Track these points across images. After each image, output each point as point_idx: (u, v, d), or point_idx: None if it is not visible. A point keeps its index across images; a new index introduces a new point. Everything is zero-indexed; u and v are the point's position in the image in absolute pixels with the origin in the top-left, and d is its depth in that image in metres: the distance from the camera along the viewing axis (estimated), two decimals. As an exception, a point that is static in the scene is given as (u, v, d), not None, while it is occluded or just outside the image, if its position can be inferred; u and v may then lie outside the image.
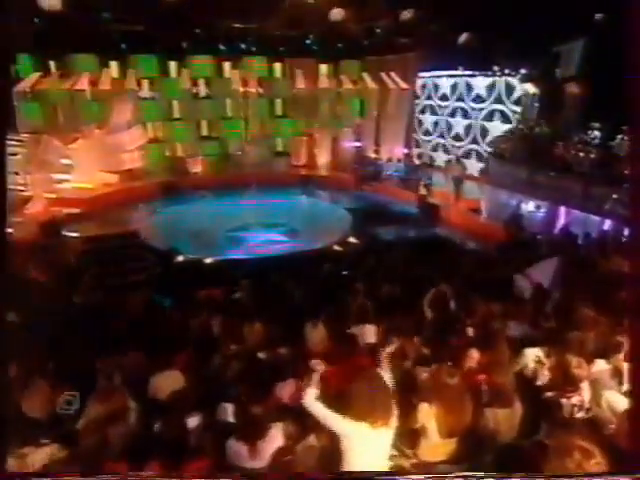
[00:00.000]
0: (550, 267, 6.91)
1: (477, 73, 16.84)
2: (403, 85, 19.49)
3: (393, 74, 19.49)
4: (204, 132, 21.75)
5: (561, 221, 12.51)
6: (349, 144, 21.70)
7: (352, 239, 13.14)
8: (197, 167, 20.82)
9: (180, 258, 11.97)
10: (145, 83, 19.99)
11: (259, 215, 15.15)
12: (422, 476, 2.60)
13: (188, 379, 4.79)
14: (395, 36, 19.72)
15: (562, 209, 12.44)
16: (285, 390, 4.13)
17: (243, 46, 19.77)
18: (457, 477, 2.47)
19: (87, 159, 17.41)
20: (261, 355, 4.95)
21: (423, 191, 15.94)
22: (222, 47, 19.59)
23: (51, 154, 16.00)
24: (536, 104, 14.69)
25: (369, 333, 5.30)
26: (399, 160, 19.54)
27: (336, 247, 12.55)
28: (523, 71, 15.17)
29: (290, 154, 22.39)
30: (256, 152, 21.79)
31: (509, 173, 13.64)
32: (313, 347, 5.12)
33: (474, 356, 4.07)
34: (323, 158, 21.85)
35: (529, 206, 13.33)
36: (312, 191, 18.83)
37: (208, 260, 11.79)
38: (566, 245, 10.26)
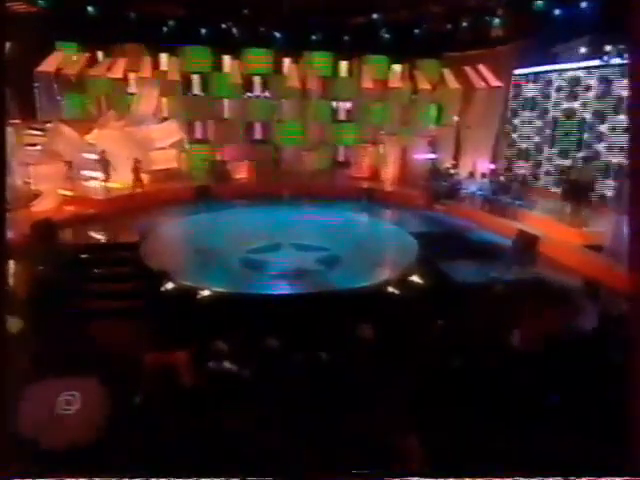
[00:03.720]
0: None
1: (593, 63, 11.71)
2: (494, 82, 14.79)
3: (482, 68, 14.86)
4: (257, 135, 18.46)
5: None
6: (421, 156, 17.23)
7: (415, 278, 8.68)
8: (242, 172, 17.27)
9: (169, 285, 8.16)
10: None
11: (297, 233, 11.19)
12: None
13: None
14: (485, 25, 15.21)
15: None
16: None
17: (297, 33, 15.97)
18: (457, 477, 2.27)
19: (113, 154, 14.30)
20: None
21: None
22: (278, 35, 15.98)
23: (63, 145, 12.93)
24: None
25: None
26: (484, 175, 14.66)
27: (390, 289, 8.18)
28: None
29: (351, 164, 18.34)
30: (313, 160, 18.02)
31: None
32: None
33: None
34: (389, 171, 17.55)
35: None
36: (372, 208, 14.54)
37: (204, 292, 7.90)
38: None
